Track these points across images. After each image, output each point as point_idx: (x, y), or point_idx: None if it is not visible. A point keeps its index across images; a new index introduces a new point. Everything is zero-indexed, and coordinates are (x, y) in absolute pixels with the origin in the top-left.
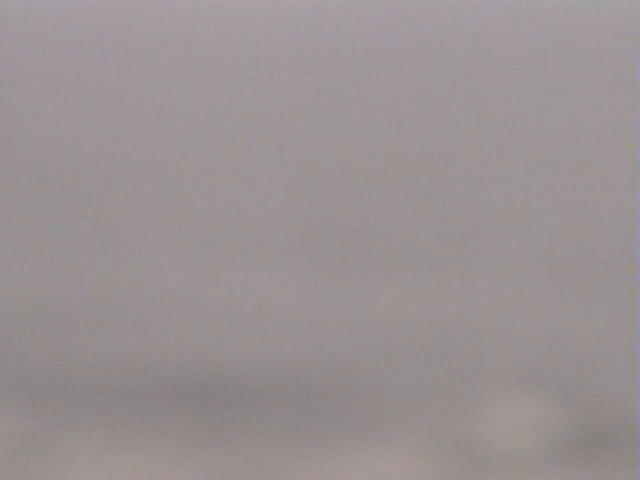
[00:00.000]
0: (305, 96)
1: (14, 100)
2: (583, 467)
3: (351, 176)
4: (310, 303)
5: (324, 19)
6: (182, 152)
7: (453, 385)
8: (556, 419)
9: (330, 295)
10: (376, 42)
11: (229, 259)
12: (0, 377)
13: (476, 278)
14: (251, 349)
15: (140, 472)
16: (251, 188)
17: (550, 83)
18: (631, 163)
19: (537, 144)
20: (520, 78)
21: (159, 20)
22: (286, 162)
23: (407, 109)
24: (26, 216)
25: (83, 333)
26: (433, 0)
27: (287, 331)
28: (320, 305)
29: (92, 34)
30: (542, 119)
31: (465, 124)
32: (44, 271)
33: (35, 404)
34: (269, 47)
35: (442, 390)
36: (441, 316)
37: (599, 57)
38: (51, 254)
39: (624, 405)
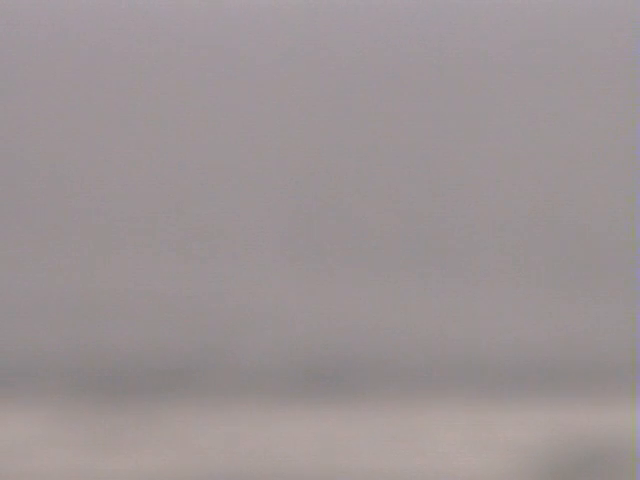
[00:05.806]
0: (297, 92)
1: (14, 101)
2: None
3: (340, 173)
4: (294, 298)
5: (323, 18)
6: (174, 149)
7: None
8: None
9: (314, 289)
10: (375, 41)
11: (216, 256)
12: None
13: (462, 275)
14: (237, 342)
15: None
16: (245, 187)
17: (549, 83)
18: (631, 163)
19: (536, 144)
20: (519, 78)
21: (158, 20)
22: (276, 160)
23: (399, 108)
24: (25, 217)
25: (82, 331)
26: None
27: (273, 325)
28: (304, 300)
29: (91, 34)
30: (541, 119)
31: (460, 126)
32: (44, 271)
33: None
34: (268, 45)
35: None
36: (429, 313)
37: (599, 56)
38: (51, 255)
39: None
